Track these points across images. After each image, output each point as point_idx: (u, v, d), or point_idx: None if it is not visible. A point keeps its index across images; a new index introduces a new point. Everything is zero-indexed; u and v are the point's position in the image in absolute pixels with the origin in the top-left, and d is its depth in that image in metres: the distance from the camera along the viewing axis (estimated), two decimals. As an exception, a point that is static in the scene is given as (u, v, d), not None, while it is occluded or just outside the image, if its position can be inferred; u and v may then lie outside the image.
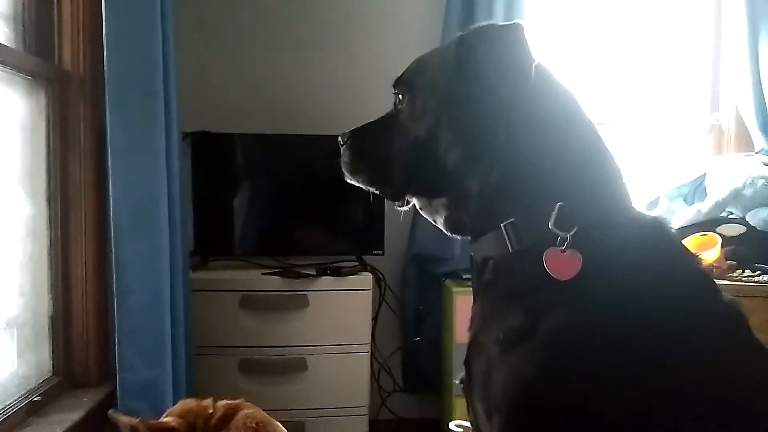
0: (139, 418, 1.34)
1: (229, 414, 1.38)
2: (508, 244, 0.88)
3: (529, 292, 0.85)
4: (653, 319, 0.79)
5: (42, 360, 1.71)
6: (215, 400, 1.44)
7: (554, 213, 0.84)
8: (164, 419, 1.38)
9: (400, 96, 1.01)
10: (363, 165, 1.05)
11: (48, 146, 1.72)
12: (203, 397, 1.46)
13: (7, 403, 1.52)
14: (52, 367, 1.75)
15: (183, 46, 2.10)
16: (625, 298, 0.80)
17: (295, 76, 2.63)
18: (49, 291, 1.73)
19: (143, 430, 1.32)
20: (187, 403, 1.43)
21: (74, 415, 1.59)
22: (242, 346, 2.23)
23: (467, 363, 0.93)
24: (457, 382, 0.97)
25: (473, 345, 0.92)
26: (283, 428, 1.41)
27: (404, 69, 1.03)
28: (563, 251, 0.83)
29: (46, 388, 1.66)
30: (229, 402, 1.43)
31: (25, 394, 1.59)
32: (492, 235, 0.91)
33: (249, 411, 1.40)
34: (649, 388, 0.76)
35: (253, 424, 1.35)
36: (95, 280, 1.78)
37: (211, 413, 1.39)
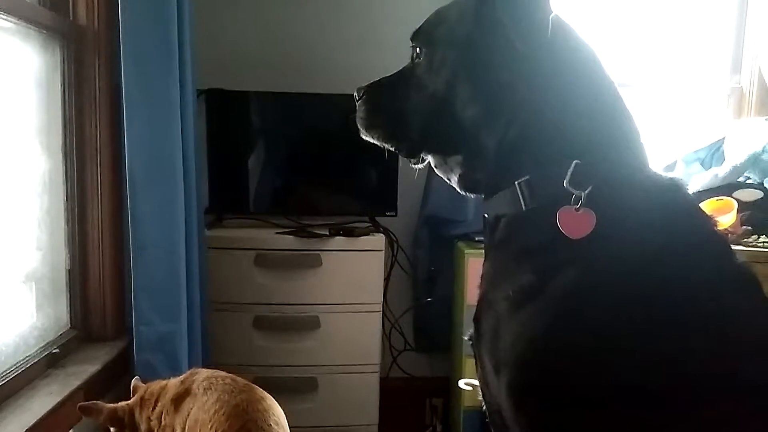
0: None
1: (187, 380, 1.36)
2: (522, 201, 0.87)
3: (540, 250, 0.85)
4: (666, 279, 0.79)
5: (60, 313, 1.74)
6: None
7: (569, 171, 0.83)
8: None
9: (418, 49, 0.99)
10: (379, 120, 1.04)
11: (63, 101, 1.72)
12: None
13: (27, 355, 1.56)
14: (70, 321, 1.78)
15: (198, 2, 2.08)
16: (638, 257, 0.80)
17: (311, 33, 2.60)
18: (66, 245, 1.75)
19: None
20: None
21: (91, 368, 1.63)
22: (256, 303, 2.26)
23: (476, 320, 0.93)
24: (466, 338, 0.98)
25: (483, 302, 0.92)
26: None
27: (423, 22, 1.01)
28: (577, 210, 0.82)
29: (64, 341, 1.70)
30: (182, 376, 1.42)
31: (44, 346, 1.63)
32: (506, 192, 0.90)
33: (210, 371, 1.37)
34: (659, 346, 0.76)
35: (228, 380, 1.32)
36: (111, 234, 1.80)
37: (164, 387, 1.38)
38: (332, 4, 2.61)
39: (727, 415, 0.76)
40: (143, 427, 1.37)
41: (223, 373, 1.36)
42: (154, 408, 1.36)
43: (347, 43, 2.61)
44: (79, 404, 1.39)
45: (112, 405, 1.41)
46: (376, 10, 2.61)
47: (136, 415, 1.38)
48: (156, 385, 1.42)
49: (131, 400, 1.42)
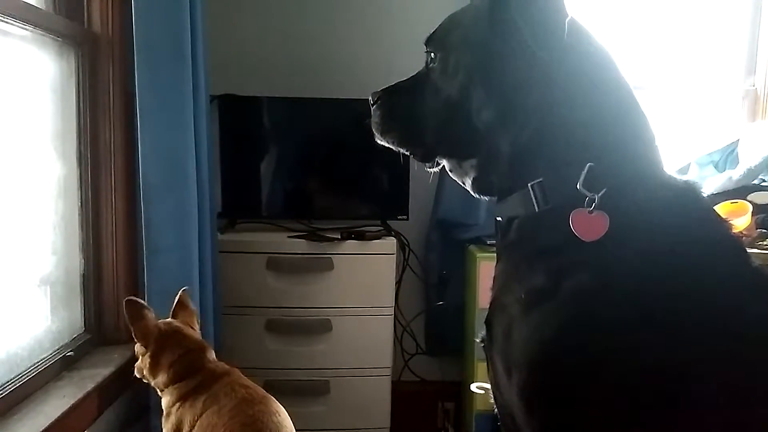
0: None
1: (218, 373, 1.38)
2: (535, 204, 0.87)
3: (553, 252, 0.85)
4: (679, 281, 0.78)
5: (74, 317, 1.76)
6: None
7: (583, 173, 0.83)
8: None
9: (432, 54, 0.99)
10: (394, 125, 1.04)
11: (78, 107, 1.74)
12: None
13: (42, 357, 1.57)
14: (84, 324, 1.79)
15: (211, 9, 2.09)
16: (652, 259, 0.80)
17: (324, 39, 2.61)
18: (81, 250, 1.76)
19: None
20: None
21: (105, 371, 1.64)
22: (269, 307, 2.27)
23: (488, 322, 0.93)
24: (477, 340, 0.98)
25: (495, 304, 0.92)
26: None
27: (436, 27, 1.01)
28: (590, 212, 0.82)
29: (78, 344, 1.71)
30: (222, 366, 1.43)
31: (59, 349, 1.64)
32: (519, 194, 0.90)
33: (238, 376, 1.40)
34: (672, 349, 0.76)
35: (250, 390, 1.35)
36: (125, 239, 1.81)
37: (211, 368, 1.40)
38: (345, 9, 2.61)
39: (744, 419, 0.75)
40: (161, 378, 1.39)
41: (247, 382, 1.38)
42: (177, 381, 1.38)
43: (359, 48, 2.61)
44: (128, 298, 1.41)
45: (152, 322, 1.42)
46: (389, 16, 2.62)
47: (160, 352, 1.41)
48: (196, 334, 1.48)
49: (168, 325, 1.45)
